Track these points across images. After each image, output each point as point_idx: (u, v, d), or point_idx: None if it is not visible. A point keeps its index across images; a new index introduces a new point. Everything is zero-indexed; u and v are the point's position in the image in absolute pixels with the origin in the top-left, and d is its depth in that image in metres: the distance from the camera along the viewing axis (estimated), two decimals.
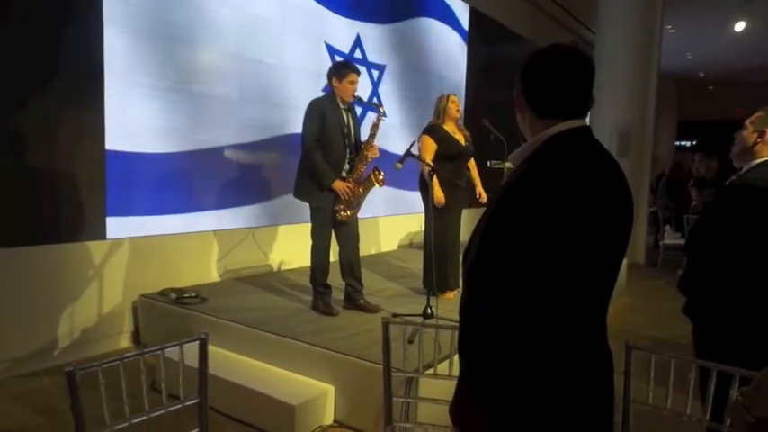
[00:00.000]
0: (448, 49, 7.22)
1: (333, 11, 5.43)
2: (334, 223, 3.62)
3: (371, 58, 5.99)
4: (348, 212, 3.58)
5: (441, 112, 4.03)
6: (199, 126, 4.30)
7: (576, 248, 1.12)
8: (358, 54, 5.81)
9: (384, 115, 3.67)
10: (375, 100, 5.87)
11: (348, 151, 3.61)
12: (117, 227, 3.83)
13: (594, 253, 1.15)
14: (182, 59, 4.14)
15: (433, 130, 3.98)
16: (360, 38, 5.81)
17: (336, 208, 3.55)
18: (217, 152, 4.46)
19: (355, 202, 3.61)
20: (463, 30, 7.46)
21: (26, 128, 3.38)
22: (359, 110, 4.17)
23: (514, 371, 1.14)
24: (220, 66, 4.43)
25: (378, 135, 3.63)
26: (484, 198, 4.22)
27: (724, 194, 2.16)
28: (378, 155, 3.62)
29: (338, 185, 3.49)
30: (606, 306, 1.25)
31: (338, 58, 5.47)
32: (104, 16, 3.65)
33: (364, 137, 3.69)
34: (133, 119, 3.86)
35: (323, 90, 5.18)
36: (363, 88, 4.59)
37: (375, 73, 6.07)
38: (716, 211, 2.16)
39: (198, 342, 1.70)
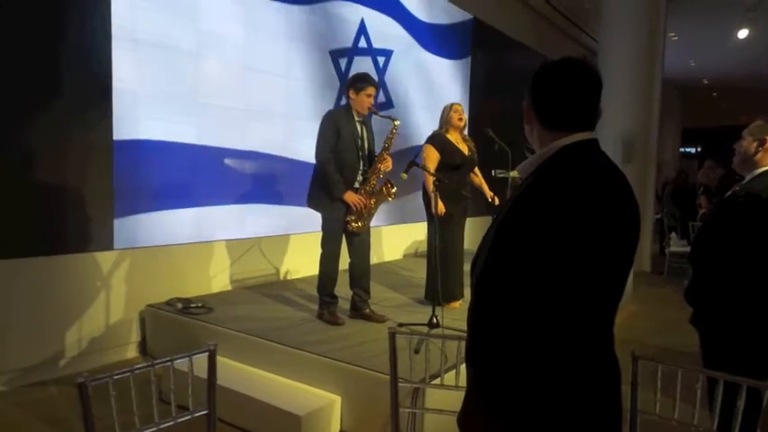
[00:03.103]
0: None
1: None
2: (347, 233, 3.64)
3: (376, 44, 5.97)
4: (359, 224, 3.60)
5: (444, 121, 4.06)
6: (208, 136, 4.33)
7: (583, 260, 1.13)
8: (363, 43, 5.78)
9: (398, 129, 3.67)
10: (381, 95, 5.90)
11: (362, 163, 3.63)
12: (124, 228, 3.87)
13: (602, 265, 1.16)
14: (190, 70, 4.18)
15: (436, 140, 4.00)
16: (364, 23, 5.78)
17: (348, 219, 3.57)
18: (225, 162, 4.49)
19: (367, 214, 3.62)
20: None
21: (35, 140, 3.41)
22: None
23: (522, 380, 1.15)
24: (228, 76, 4.47)
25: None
26: (497, 201, 4.26)
27: (727, 204, 2.16)
28: (391, 168, 3.64)
29: (349, 198, 3.51)
30: (614, 316, 1.26)
31: (341, 62, 5.50)
32: (113, 29, 3.69)
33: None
34: (141, 130, 3.90)
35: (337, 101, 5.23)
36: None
37: (381, 60, 6.03)
38: (719, 221, 2.17)
39: (207, 353, 1.71)
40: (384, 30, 6.02)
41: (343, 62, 5.54)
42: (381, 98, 6.06)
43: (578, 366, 1.17)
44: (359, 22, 5.70)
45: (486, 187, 4.31)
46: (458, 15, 7.20)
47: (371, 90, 3.56)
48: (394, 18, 6.16)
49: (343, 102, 4.07)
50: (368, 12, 5.80)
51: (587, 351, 1.19)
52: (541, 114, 1.27)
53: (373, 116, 3.69)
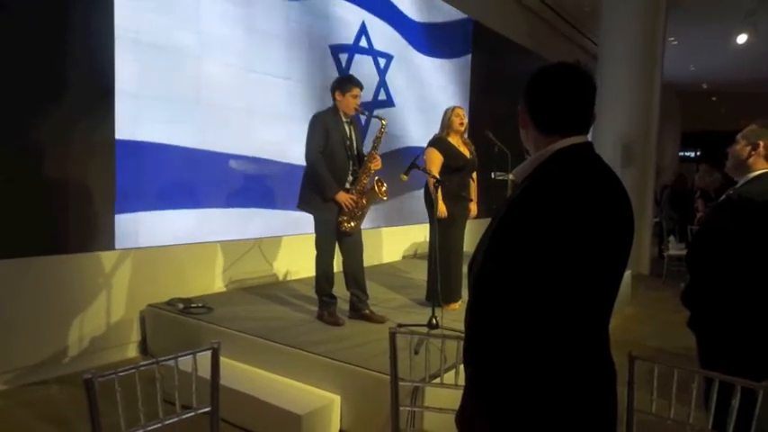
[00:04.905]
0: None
1: None
2: (339, 234, 3.66)
3: (377, 46, 6.03)
4: (352, 223, 3.63)
5: (445, 124, 4.09)
6: (206, 137, 4.36)
7: (578, 262, 1.15)
8: (363, 43, 5.83)
9: (386, 128, 3.72)
10: (382, 92, 5.97)
11: (351, 163, 3.67)
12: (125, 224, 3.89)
13: (596, 266, 1.18)
14: (191, 72, 4.21)
15: (438, 143, 4.03)
16: (365, 25, 5.83)
17: (340, 219, 3.60)
18: (223, 164, 4.52)
19: (359, 213, 3.65)
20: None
21: (38, 141, 3.44)
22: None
23: (518, 380, 1.17)
24: (228, 78, 4.50)
25: (389, 122, 3.72)
26: (474, 213, 4.24)
27: (721, 208, 2.19)
28: (380, 166, 3.68)
29: (341, 197, 3.55)
30: (608, 317, 1.28)
31: (342, 59, 5.55)
32: (116, 30, 3.72)
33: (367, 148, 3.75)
34: (143, 131, 3.92)
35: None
36: (370, 78, 4.72)
37: (382, 61, 6.10)
38: (715, 224, 2.19)
39: (210, 351, 1.73)
40: (383, 32, 6.07)
41: (343, 59, 5.58)
42: (382, 96, 6.11)
43: (573, 367, 1.19)
44: (359, 24, 5.76)
45: (474, 199, 4.26)
46: (453, 13, 7.25)
47: (357, 91, 3.62)
48: (391, 23, 6.21)
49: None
50: (368, 16, 5.84)
51: (582, 352, 1.21)
52: (536, 119, 1.29)
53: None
